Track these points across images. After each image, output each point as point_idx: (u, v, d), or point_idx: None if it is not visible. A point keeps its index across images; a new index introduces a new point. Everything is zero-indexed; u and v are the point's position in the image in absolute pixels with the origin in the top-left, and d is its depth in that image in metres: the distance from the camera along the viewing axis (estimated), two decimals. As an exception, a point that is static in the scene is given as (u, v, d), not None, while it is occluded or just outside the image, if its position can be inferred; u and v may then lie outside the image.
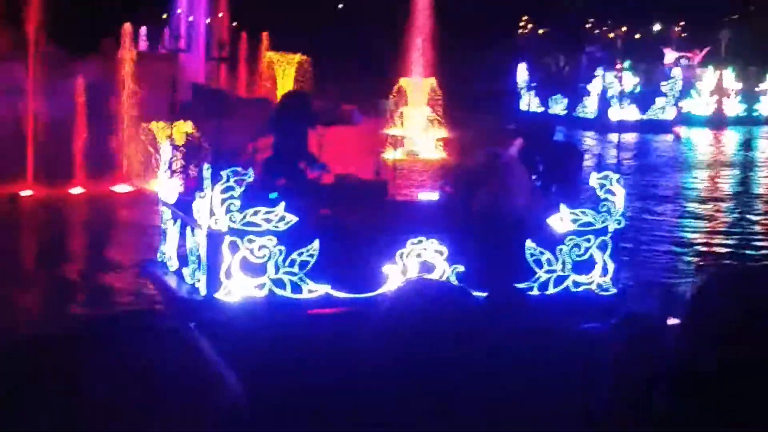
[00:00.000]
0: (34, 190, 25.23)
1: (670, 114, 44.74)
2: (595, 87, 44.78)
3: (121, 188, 26.18)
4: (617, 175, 13.94)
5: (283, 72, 29.36)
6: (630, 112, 44.14)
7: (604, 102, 44.41)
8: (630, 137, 41.20)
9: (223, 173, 12.97)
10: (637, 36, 46.12)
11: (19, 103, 26.00)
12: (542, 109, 45.67)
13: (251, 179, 13.02)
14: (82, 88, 26.14)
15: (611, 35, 48.69)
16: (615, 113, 44.13)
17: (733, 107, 47.63)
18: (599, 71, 44.84)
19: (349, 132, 25.43)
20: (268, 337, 12.74)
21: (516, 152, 14.35)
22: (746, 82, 47.51)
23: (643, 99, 44.19)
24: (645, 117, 44.23)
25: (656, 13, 53.26)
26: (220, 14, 18.71)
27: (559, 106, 45.73)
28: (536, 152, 14.91)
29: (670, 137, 42.37)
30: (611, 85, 44.40)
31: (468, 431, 3.32)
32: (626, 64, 45.50)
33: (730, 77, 47.38)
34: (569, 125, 42.37)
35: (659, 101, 44.56)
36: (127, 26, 26.27)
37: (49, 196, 24.73)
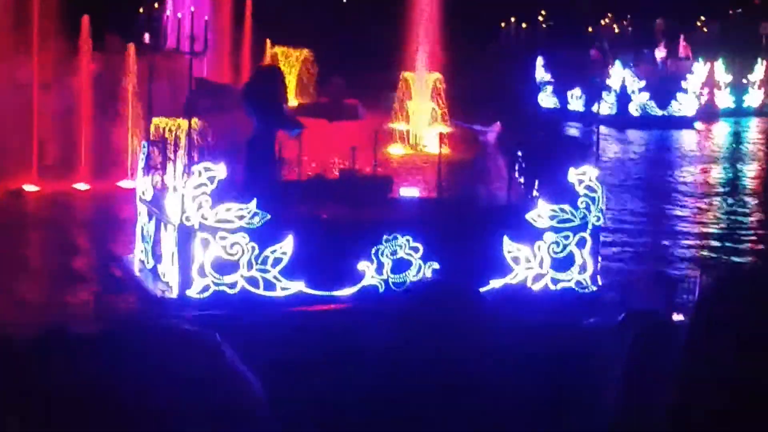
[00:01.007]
0: (39, 186, 25.20)
1: (691, 109, 44.24)
2: (613, 82, 44.28)
3: (126, 184, 26.12)
4: (596, 171, 13.71)
5: (289, 66, 29.32)
6: (648, 107, 43.69)
7: (624, 97, 43.85)
8: (652, 133, 40.79)
9: (195, 169, 12.87)
10: (616, 30, 45.82)
11: (25, 99, 25.99)
12: (559, 105, 45.05)
13: (224, 176, 12.90)
14: (87, 83, 26.10)
15: (615, 29, 48.26)
16: (635, 108, 43.68)
17: (724, 99, 47.61)
18: (618, 66, 44.29)
19: (352, 126, 25.39)
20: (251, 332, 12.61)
21: (494, 138, 14.19)
22: (735, 75, 47.59)
23: (658, 94, 43.69)
24: (666, 113, 43.72)
25: (646, 8, 52.96)
26: (192, 8, 18.61)
27: (578, 101, 45.15)
28: (521, 146, 14.75)
29: (692, 132, 41.88)
30: (631, 81, 43.89)
31: (481, 428, 3.34)
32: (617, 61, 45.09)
33: (720, 69, 47.31)
34: (587, 121, 41.98)
35: (680, 97, 44.10)
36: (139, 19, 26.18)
37: (54, 192, 24.69)
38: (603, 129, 40.22)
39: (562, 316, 12.57)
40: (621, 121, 42.35)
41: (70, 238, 19.91)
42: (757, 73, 49.03)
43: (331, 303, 13.20)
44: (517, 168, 14.63)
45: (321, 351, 10.99)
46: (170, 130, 15.21)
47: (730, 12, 58.01)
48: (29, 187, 25.03)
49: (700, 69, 46.38)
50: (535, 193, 14.23)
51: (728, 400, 2.36)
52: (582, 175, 13.61)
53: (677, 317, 9.02)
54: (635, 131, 41.26)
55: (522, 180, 14.53)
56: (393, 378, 3.30)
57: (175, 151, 14.25)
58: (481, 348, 3.38)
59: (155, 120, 22.56)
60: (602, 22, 51.08)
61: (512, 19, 58.98)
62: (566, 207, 13.61)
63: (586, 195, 13.64)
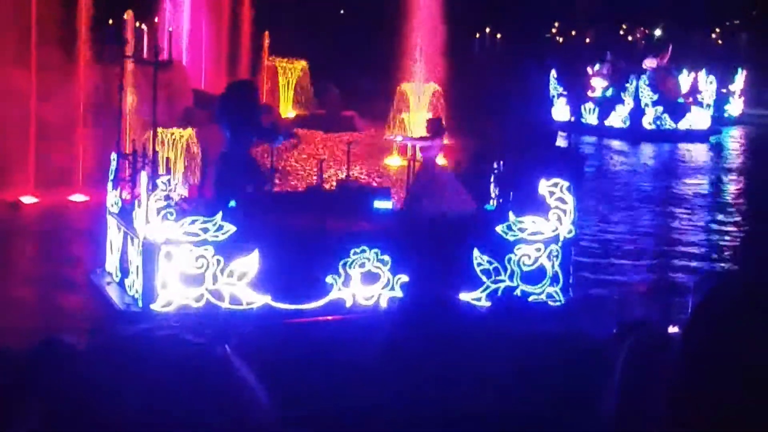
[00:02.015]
0: (36, 197, 25.14)
1: (704, 123, 43.71)
2: (626, 96, 43.79)
3: (124, 196, 26.01)
4: (567, 183, 13.47)
5: (286, 78, 29.15)
6: (662, 121, 43.24)
7: (637, 111, 43.28)
8: (663, 147, 40.34)
9: (160, 182, 12.75)
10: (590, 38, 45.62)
11: (23, 110, 25.94)
12: (572, 118, 44.42)
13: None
14: (85, 94, 26.04)
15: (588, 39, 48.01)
16: (648, 122, 43.18)
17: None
18: (632, 80, 43.75)
19: (350, 138, 25.16)
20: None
21: (435, 153, 14.12)
22: (717, 84, 47.52)
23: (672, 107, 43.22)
24: (680, 126, 43.22)
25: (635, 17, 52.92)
26: (156, 19, 18.65)
27: (592, 115, 44.61)
28: (498, 158, 14.59)
29: (704, 146, 41.30)
30: (644, 94, 43.37)
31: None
32: (597, 67, 44.73)
33: (703, 80, 46.92)
34: (600, 134, 41.70)
35: (695, 110, 43.64)
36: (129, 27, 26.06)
37: (51, 204, 24.62)
38: (615, 143, 39.89)
39: (550, 326, 12.37)
40: (634, 134, 41.94)
41: (64, 249, 19.81)
42: (738, 83, 49.29)
43: (298, 317, 13.04)
44: (492, 179, 14.46)
45: (306, 363, 10.84)
46: (162, 142, 15.15)
47: (727, 23, 57.98)
48: (27, 199, 24.98)
49: (684, 79, 46.16)
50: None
51: (724, 411, 2.31)
52: (553, 187, 13.39)
53: (672, 329, 8.86)
54: (648, 145, 40.82)
55: (497, 191, 14.35)
56: (382, 392, 3.21)
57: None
58: (470, 360, 3.30)
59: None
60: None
61: (487, 30, 58.97)
62: (538, 219, 13.40)
63: (557, 207, 13.42)
